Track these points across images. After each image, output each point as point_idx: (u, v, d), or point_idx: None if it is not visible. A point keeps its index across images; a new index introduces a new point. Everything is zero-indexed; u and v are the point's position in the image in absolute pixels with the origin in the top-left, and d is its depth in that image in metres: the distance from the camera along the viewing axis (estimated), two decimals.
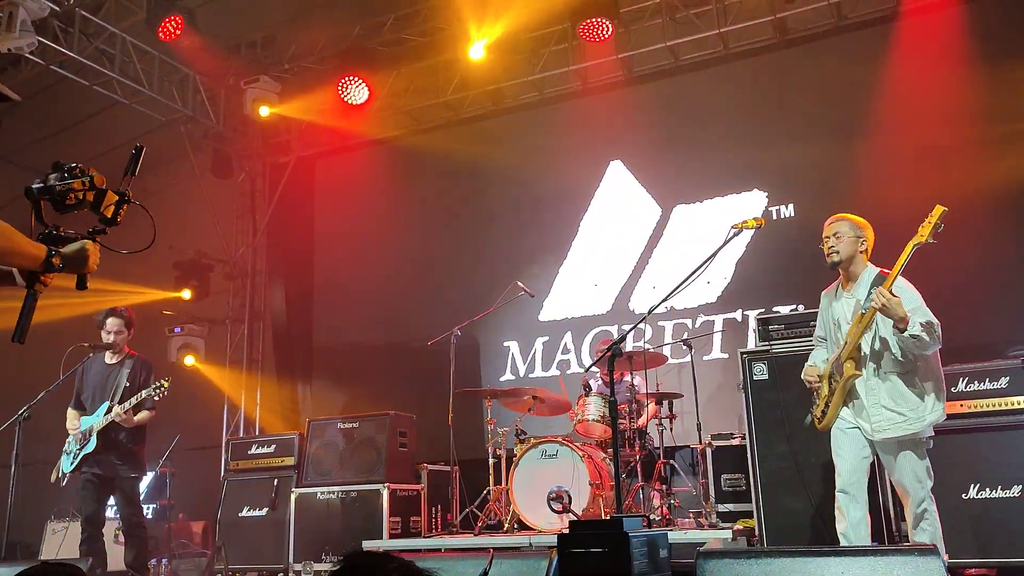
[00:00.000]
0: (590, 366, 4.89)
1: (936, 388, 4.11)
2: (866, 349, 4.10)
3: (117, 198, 2.68)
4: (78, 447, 5.95)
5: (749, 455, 5.40)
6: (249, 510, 7.33)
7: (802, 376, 4.43)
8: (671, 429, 6.88)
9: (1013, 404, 5.02)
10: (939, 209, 3.91)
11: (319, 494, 6.90)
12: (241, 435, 9.72)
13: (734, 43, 8.59)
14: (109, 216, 2.66)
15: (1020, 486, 4.89)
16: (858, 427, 4.14)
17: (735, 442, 6.33)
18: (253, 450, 7.59)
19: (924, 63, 7.54)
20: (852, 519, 4.07)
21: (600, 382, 7.13)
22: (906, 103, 7.49)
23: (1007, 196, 7.14)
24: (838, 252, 4.23)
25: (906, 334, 3.86)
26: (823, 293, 4.54)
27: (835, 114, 7.92)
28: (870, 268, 4.25)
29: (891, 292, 3.85)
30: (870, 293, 4.04)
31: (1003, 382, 5.07)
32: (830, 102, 7.97)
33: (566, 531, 3.61)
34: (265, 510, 7.25)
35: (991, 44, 7.35)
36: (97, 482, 5.93)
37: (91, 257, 2.65)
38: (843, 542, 4.07)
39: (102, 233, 2.70)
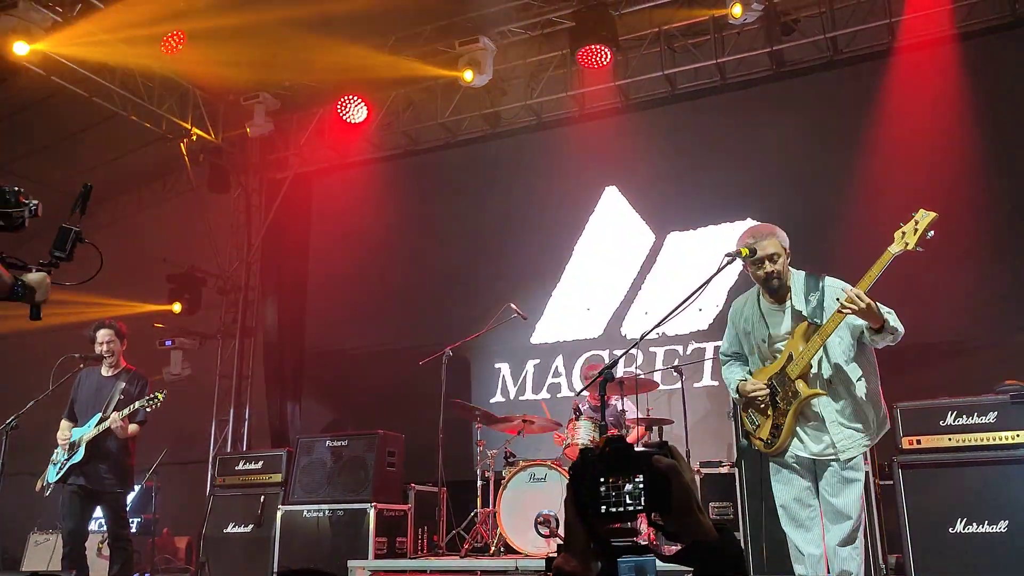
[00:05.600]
0: (581, 390, 4.88)
1: (880, 401, 3.88)
2: (815, 366, 3.82)
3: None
4: (65, 457, 5.92)
5: (738, 483, 5.40)
6: (234, 526, 7.28)
7: (746, 392, 3.98)
8: None
9: (1001, 439, 5.04)
10: (930, 215, 3.60)
11: (305, 512, 6.86)
12: (229, 450, 9.68)
13: (731, 73, 8.69)
14: (65, 254, 2.93)
15: (1007, 521, 4.89)
16: (798, 452, 3.88)
17: (724, 470, 6.32)
18: (240, 466, 7.55)
19: (918, 98, 7.63)
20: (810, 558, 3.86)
21: (589, 406, 7.13)
22: (900, 137, 7.58)
23: (1000, 230, 7.21)
24: (778, 278, 3.92)
25: (885, 332, 3.63)
26: (735, 306, 4.26)
27: (829, 146, 8.00)
28: (795, 273, 3.99)
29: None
30: (809, 301, 3.82)
31: (991, 417, 5.09)
32: (825, 134, 8.06)
33: (553, 554, 3.60)
34: (251, 527, 7.20)
35: (984, 81, 7.46)
36: (82, 494, 5.88)
37: (48, 289, 2.88)
38: None
39: (55, 267, 2.93)
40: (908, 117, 7.60)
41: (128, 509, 6.51)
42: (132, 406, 5.91)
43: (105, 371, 6.18)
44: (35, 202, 2.85)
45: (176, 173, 11.11)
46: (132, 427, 6.00)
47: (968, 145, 7.39)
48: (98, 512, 6.24)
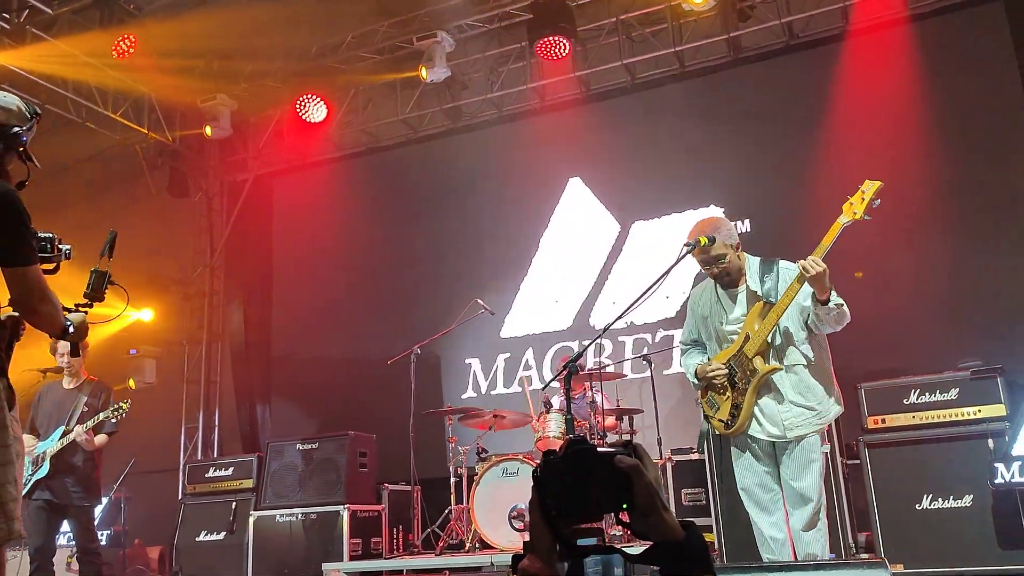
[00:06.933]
0: (548, 382, 4.86)
1: (832, 380, 3.93)
2: (771, 340, 3.86)
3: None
4: (30, 472, 5.81)
5: (708, 469, 5.44)
6: (207, 534, 7.22)
7: (706, 374, 4.00)
8: None
9: (963, 415, 5.12)
10: (875, 184, 3.65)
11: (278, 516, 6.81)
12: (199, 458, 9.58)
13: (690, 61, 8.73)
14: (100, 296, 3.34)
15: (971, 495, 4.97)
16: (755, 435, 3.91)
17: (694, 457, 6.37)
18: (211, 473, 7.48)
19: (873, 80, 7.73)
20: (776, 542, 3.90)
21: (562, 398, 7.14)
22: (856, 119, 7.67)
23: (956, 209, 7.33)
24: (729, 273, 3.99)
25: (831, 304, 3.66)
26: (694, 294, 4.32)
27: (788, 130, 8.07)
28: (750, 259, 4.05)
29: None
30: (764, 282, 3.87)
31: (953, 394, 5.16)
32: (783, 118, 8.13)
33: (519, 552, 3.60)
34: (223, 534, 7.14)
35: (935, 61, 7.56)
36: (49, 509, 5.78)
37: (87, 329, 3.24)
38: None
39: (90, 307, 3.29)
40: (864, 99, 7.70)
41: (97, 522, 6.42)
42: (96, 417, 5.83)
43: (67, 383, 6.07)
44: (68, 247, 3.13)
45: (135, 179, 10.92)
46: (99, 438, 5.91)
47: (922, 125, 7.49)
48: (65, 527, 6.14)
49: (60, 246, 3.08)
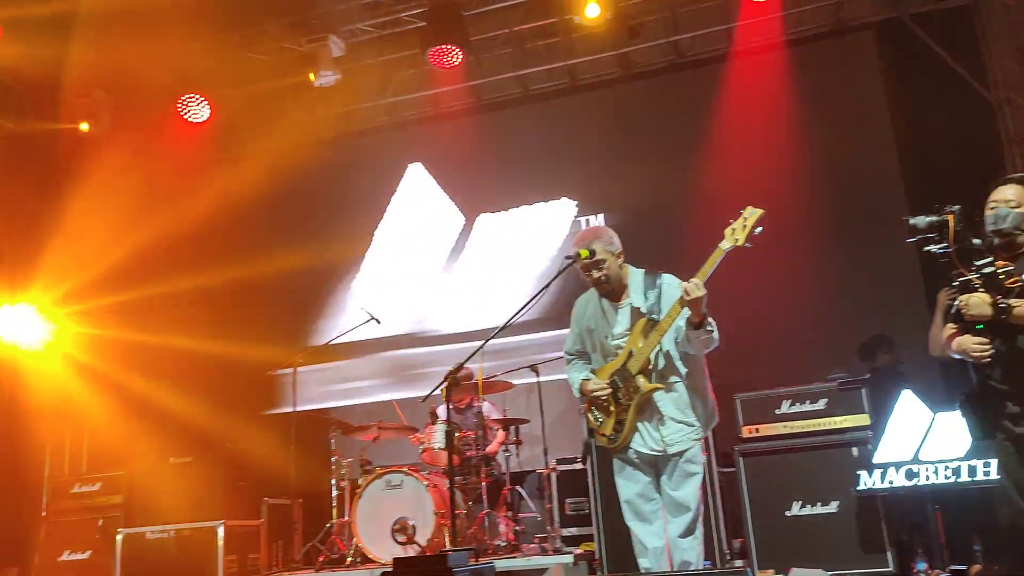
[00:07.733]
0: (431, 392, 4.78)
1: (708, 394, 4.02)
2: (653, 359, 3.89)
3: None
4: None
5: (590, 479, 5.49)
6: (70, 554, 6.85)
7: (588, 391, 4.03)
8: (518, 454, 6.91)
9: (830, 424, 5.34)
10: (757, 212, 3.69)
11: (148, 534, 6.52)
12: (64, 472, 9.03)
13: (582, 76, 8.86)
14: None
15: (838, 502, 5.19)
16: (637, 448, 3.96)
17: (579, 467, 6.42)
18: (76, 488, 7.12)
19: (754, 101, 7.99)
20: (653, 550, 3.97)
21: (450, 409, 7.07)
22: (738, 137, 7.90)
23: (827, 226, 7.64)
24: (608, 278, 4.00)
25: (704, 328, 3.71)
26: (578, 305, 4.29)
27: (674, 145, 8.25)
28: (633, 271, 4.07)
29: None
30: (648, 298, 3.91)
31: (821, 403, 5.38)
32: (667, 133, 8.32)
33: (389, 570, 3.54)
34: (88, 553, 6.78)
35: (810, 85, 7.89)
36: None
37: None
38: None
39: None
40: (746, 118, 7.94)
41: None
42: None
43: None
44: None
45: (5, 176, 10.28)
46: None
47: (799, 146, 7.77)
48: None
49: None
